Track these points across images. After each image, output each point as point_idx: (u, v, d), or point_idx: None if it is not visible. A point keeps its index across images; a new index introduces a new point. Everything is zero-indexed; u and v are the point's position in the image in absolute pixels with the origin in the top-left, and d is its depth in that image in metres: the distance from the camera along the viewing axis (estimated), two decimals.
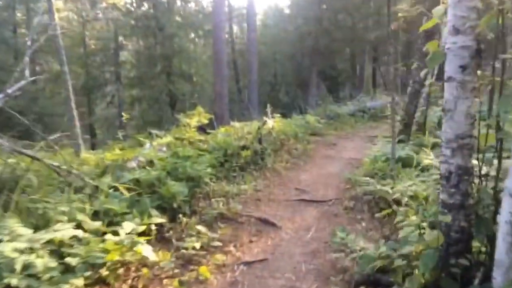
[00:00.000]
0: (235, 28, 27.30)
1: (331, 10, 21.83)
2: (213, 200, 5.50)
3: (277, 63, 27.02)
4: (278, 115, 11.22)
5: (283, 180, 7.29)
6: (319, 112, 14.16)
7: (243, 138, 8.40)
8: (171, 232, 4.55)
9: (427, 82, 9.08)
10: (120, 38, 20.64)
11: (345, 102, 16.47)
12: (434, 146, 6.28)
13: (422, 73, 4.67)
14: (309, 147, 9.74)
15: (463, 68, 2.76)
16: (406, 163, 5.87)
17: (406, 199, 4.03)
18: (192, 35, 21.03)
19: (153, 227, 4.22)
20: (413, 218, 3.45)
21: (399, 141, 7.78)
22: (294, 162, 8.47)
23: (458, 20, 2.76)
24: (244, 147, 7.91)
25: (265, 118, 10.31)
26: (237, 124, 9.49)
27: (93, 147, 16.40)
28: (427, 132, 8.15)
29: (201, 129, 10.16)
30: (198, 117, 8.99)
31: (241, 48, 25.59)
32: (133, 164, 5.80)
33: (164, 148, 6.73)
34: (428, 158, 5.03)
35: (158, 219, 4.35)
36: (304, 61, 24.30)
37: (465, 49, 2.76)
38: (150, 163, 5.78)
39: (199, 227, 4.56)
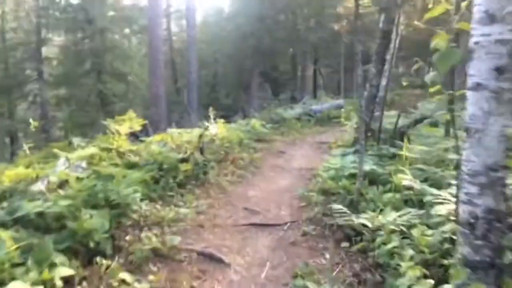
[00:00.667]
0: (174, 25, 25.88)
1: (274, 9, 21.15)
2: (144, 232, 4.40)
3: (218, 63, 26.01)
4: (221, 120, 10.24)
5: (230, 198, 6.30)
6: (264, 116, 13.33)
7: (182, 148, 7.32)
8: (84, 284, 3.40)
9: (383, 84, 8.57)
10: (44, 31, 18.53)
11: (289, 105, 15.79)
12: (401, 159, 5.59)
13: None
14: (256, 156, 8.82)
15: (500, 71, 1.94)
16: (373, 180, 5.09)
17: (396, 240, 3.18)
18: (127, 30, 19.40)
19: (58, 282, 3.08)
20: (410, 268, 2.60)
21: (355, 151, 7.07)
22: (241, 175, 7.51)
23: (494, 3, 1.93)
24: (183, 160, 6.85)
25: (207, 124, 9.28)
26: (175, 131, 8.38)
27: (12, 155, 14.52)
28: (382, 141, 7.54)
29: (134, 136, 8.94)
30: (130, 122, 7.77)
31: (180, 47, 24.28)
32: (40, 186, 4.57)
33: (84, 164, 5.49)
34: (405, 176, 4.26)
35: (65, 269, 3.20)
36: (245, 62, 23.48)
37: (504, 44, 1.93)
38: (63, 185, 4.56)
39: (124, 275, 3.47)
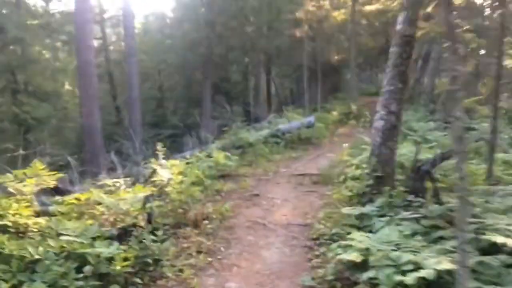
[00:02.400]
0: (110, 33, 22.82)
1: (224, 14, 18.79)
2: None
3: (162, 75, 23.19)
4: (178, 157, 7.81)
5: None
6: (225, 141, 10.92)
7: (118, 220, 4.80)
8: None
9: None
10: None
11: (252, 125, 13.43)
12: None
13: None
14: (225, 208, 6.40)
15: None
16: None
17: None
18: (48, 40, 16.20)
19: None
20: None
21: (380, 212, 4.81)
22: (210, 250, 5.08)
23: None
24: (120, 239, 4.33)
25: (155, 166, 6.76)
26: (107, 186, 5.77)
27: None
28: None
29: (56, 191, 6.26)
30: (38, 178, 5.16)
31: (118, 58, 21.28)
32: None
33: None
34: None
35: None
36: (195, 73, 20.96)
37: None
38: None
39: None
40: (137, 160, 12.80)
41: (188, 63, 19.96)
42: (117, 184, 5.74)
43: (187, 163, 7.87)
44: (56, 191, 6.30)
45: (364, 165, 6.16)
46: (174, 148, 16.82)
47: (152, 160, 7.15)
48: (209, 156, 9.01)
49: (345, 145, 10.20)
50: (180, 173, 6.92)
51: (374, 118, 5.63)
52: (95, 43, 21.53)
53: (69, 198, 5.36)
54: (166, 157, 10.82)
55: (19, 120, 12.49)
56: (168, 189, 6.01)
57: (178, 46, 20.82)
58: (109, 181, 5.75)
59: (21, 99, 12.83)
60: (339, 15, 20.56)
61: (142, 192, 5.21)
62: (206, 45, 18.38)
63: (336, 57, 22.09)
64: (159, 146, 6.93)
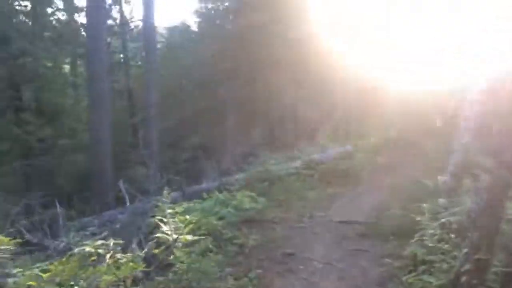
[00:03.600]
0: (132, 47, 21.65)
1: (250, 26, 17.29)
2: None
3: (184, 92, 21.80)
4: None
5: None
6: (251, 174, 9.28)
7: None
8: None
9: None
10: None
11: (283, 155, 11.74)
12: None
13: None
14: (250, 280, 4.74)
15: None
16: None
17: None
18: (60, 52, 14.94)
19: None
20: None
21: None
22: None
23: None
24: None
25: (160, 223, 5.18)
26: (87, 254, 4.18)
27: None
28: None
29: None
30: None
31: (138, 73, 20.04)
32: None
33: None
34: None
35: None
36: (218, 90, 19.48)
37: None
38: None
39: None
40: (148, 190, 11.35)
41: (211, 79, 18.53)
42: (102, 250, 4.13)
43: (202, 209, 6.25)
44: None
45: (452, 235, 4.40)
46: (192, 174, 15.30)
47: (159, 204, 5.58)
48: (231, 194, 7.40)
49: None
50: (191, 224, 5.32)
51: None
52: (115, 57, 20.50)
53: None
54: (180, 195, 9.32)
55: (21, 141, 11.20)
56: (172, 257, 4.39)
57: (201, 61, 19.49)
58: (90, 246, 4.13)
59: (25, 118, 11.53)
60: None
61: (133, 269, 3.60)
62: (230, 59, 16.91)
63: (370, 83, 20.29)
64: (165, 192, 5.31)
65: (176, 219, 5.02)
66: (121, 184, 10.87)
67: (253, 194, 7.22)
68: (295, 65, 19.03)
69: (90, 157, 11.35)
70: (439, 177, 7.02)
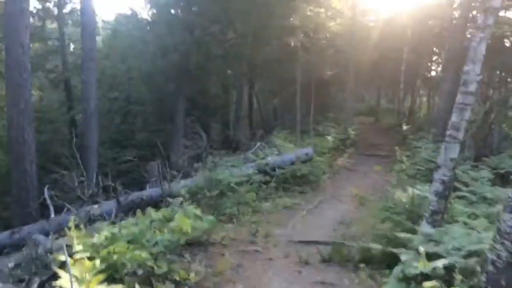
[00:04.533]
0: (70, 32, 19.59)
1: (204, 17, 15.96)
2: None
3: (131, 84, 20.06)
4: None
5: None
6: (198, 183, 7.99)
7: None
8: None
9: None
10: None
11: (233, 156, 10.52)
12: None
13: None
14: None
15: None
16: None
17: None
18: None
19: None
20: None
21: None
22: None
23: None
24: None
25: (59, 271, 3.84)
26: None
27: None
28: None
29: None
30: None
31: (77, 62, 18.09)
32: None
33: None
34: None
35: None
36: (168, 83, 17.96)
37: None
38: None
39: None
40: (81, 198, 9.91)
41: (160, 72, 16.99)
42: None
43: (131, 236, 4.93)
44: None
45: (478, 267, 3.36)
46: (136, 176, 13.83)
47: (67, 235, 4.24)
48: (171, 210, 6.11)
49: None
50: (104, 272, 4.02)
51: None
52: (52, 42, 18.49)
53: None
54: (115, 206, 8.01)
55: None
56: None
57: (149, 52, 17.90)
58: None
59: None
60: (334, 26, 18.12)
61: None
62: (180, 52, 15.47)
63: (329, 72, 19.43)
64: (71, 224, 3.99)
65: (85, 259, 3.69)
66: (46, 191, 9.33)
67: (197, 211, 5.97)
68: (252, 56, 17.93)
69: (10, 158, 9.68)
70: (412, 188, 6.10)
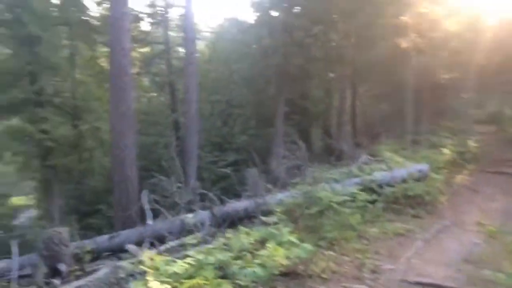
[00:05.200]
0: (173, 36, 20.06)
1: (306, 17, 15.18)
2: None
3: (233, 87, 20.02)
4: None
5: None
6: (296, 202, 7.18)
7: None
8: None
9: None
10: None
11: (337, 169, 9.53)
12: None
13: None
14: None
15: None
16: None
17: None
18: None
19: None
20: None
21: None
22: None
23: None
24: None
25: None
26: None
27: None
28: None
29: None
30: None
31: (180, 65, 18.48)
32: None
33: None
34: None
35: None
36: (268, 87, 17.56)
37: None
38: None
39: None
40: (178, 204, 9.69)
41: (260, 74, 16.62)
42: None
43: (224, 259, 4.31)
44: None
45: None
46: (233, 183, 13.49)
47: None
48: (266, 235, 5.39)
49: None
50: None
51: None
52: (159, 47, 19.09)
53: None
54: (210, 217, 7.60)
55: (36, 142, 9.84)
56: None
57: (251, 55, 17.66)
58: None
59: (42, 115, 10.13)
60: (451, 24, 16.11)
61: None
62: (281, 55, 14.88)
63: (445, 76, 17.37)
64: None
65: None
66: (144, 196, 9.28)
67: (293, 237, 5.16)
68: (355, 58, 16.74)
69: (112, 162, 9.81)
70: None
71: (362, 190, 7.94)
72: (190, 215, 8.19)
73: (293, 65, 15.33)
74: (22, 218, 12.80)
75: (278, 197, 8.05)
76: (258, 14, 17.64)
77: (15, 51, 10.23)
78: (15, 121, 10.70)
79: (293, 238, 5.14)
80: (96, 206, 11.75)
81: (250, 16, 20.10)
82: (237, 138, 17.94)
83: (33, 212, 13.30)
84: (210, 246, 5.23)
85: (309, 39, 14.94)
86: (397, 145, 12.62)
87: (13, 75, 10.24)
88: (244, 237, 5.16)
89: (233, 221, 8.22)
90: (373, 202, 7.88)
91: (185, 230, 7.75)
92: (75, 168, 11.76)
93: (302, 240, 5.30)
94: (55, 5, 11.78)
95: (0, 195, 12.31)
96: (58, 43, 10.67)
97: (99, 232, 9.73)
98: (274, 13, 16.49)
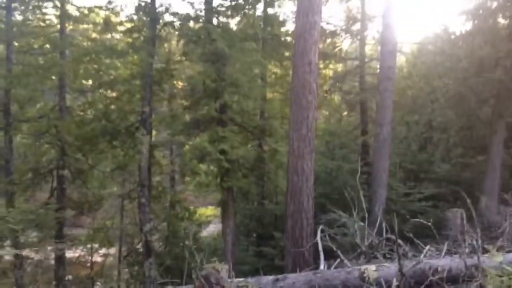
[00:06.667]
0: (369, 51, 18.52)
1: None
2: None
3: (435, 107, 17.30)
4: None
5: None
6: None
7: None
8: None
9: None
10: None
11: None
12: None
13: None
14: None
15: None
16: None
17: None
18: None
19: None
20: None
21: None
22: None
23: None
24: None
25: None
26: None
27: None
28: None
29: None
30: None
31: (374, 83, 16.82)
32: None
33: None
34: None
35: None
36: (482, 108, 14.44)
37: None
38: None
39: None
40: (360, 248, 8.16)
41: (472, 92, 13.72)
42: None
43: None
44: None
45: None
46: (428, 224, 11.09)
47: None
48: None
49: None
50: None
51: None
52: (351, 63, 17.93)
53: None
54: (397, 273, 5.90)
55: (216, 163, 9.55)
56: None
57: (460, 69, 14.85)
58: None
59: (222, 134, 9.81)
60: None
61: None
62: (504, 67, 11.89)
63: None
64: None
65: None
66: (318, 233, 7.99)
67: None
68: None
69: (287, 188, 8.82)
70: None
71: None
72: (372, 267, 6.51)
73: None
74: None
75: (501, 258, 5.79)
76: (472, 22, 14.76)
77: (204, 67, 10.34)
78: (200, 140, 10.87)
79: None
80: (272, 232, 11.05)
81: (459, 26, 17.11)
82: (437, 167, 15.19)
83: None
84: None
85: None
86: None
87: (201, 92, 10.36)
88: None
89: (430, 284, 6.22)
90: None
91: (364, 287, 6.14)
92: (251, 191, 11.35)
93: None
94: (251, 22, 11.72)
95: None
96: (246, 59, 10.37)
97: (270, 263, 8.86)
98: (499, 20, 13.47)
